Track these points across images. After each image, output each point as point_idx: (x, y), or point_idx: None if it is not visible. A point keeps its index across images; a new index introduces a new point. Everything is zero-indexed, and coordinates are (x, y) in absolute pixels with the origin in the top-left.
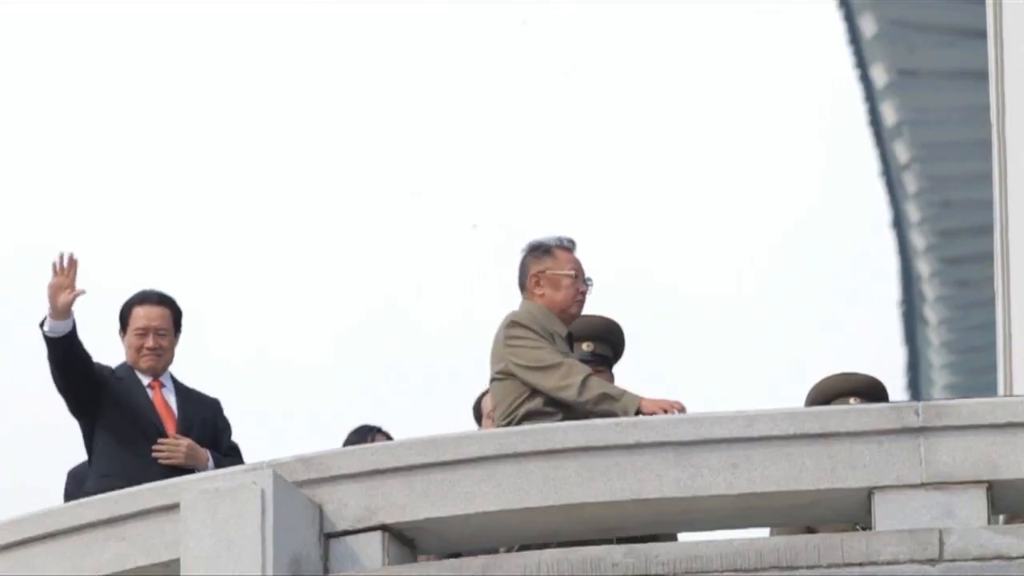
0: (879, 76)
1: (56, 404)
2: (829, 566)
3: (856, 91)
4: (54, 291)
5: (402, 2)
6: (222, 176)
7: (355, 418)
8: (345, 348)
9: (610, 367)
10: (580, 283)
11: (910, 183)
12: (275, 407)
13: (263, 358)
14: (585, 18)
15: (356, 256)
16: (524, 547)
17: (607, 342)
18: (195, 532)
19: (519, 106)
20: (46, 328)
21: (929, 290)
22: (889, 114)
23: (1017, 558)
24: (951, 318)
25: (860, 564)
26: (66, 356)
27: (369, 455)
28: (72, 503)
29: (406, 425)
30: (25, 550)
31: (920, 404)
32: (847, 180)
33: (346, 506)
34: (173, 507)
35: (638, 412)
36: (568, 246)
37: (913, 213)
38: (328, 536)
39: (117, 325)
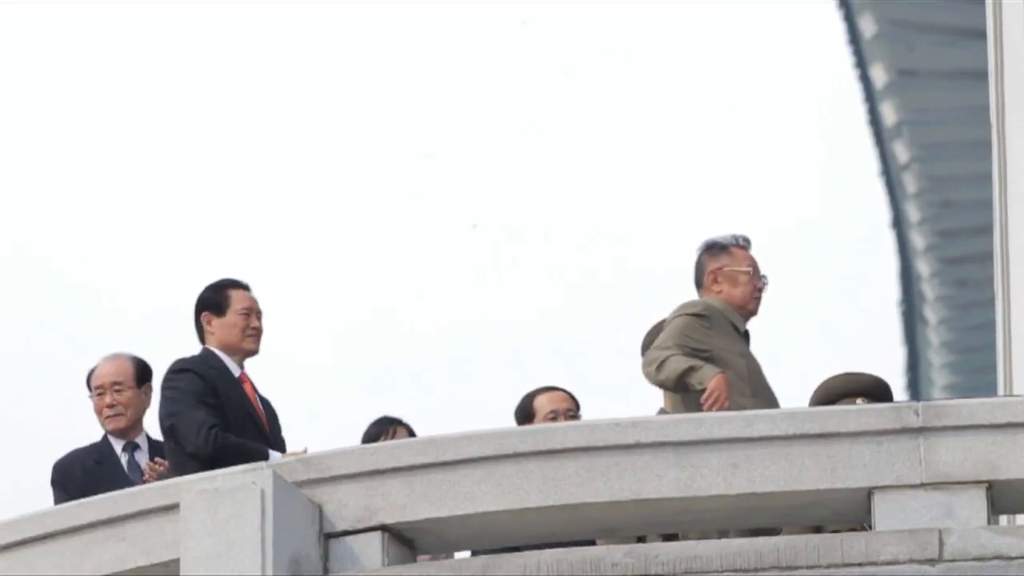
0: (879, 76)
1: (57, 404)
2: (829, 566)
3: (856, 91)
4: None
5: (402, 2)
6: (222, 177)
7: (355, 418)
8: (345, 348)
9: None
10: (757, 279)
11: (910, 183)
12: (275, 407)
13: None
14: (585, 18)
15: (356, 256)
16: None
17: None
18: (195, 532)
19: (519, 106)
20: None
21: (929, 290)
22: (889, 114)
23: (1017, 558)
24: (951, 318)
25: (860, 564)
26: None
27: (369, 455)
28: (72, 503)
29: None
30: (25, 550)
31: (920, 404)
32: (847, 180)
33: (346, 506)
34: (173, 507)
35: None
36: (744, 244)
37: (913, 213)
38: (328, 536)
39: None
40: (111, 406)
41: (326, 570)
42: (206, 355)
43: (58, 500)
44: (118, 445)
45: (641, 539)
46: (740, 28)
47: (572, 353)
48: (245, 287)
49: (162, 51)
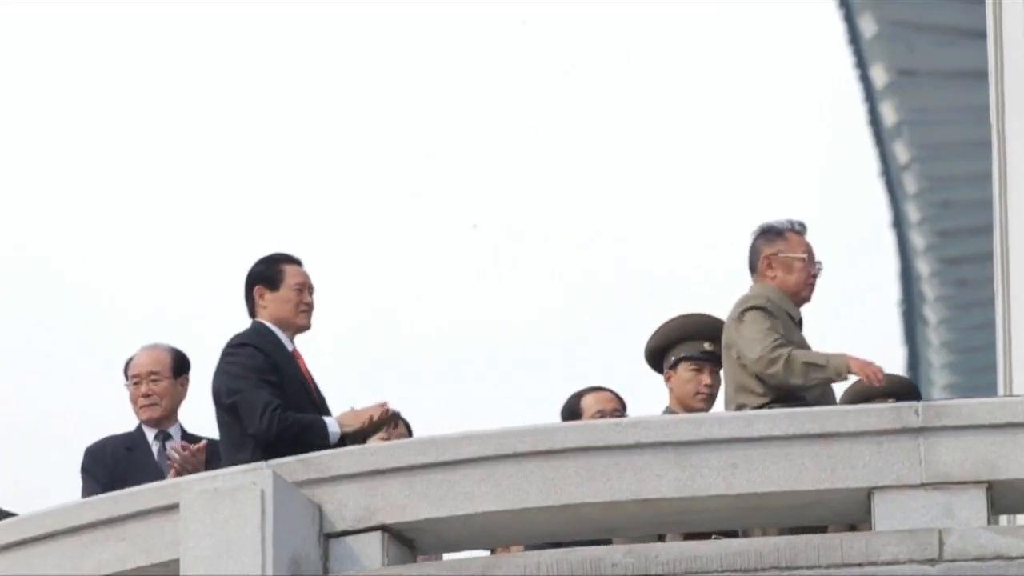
0: (879, 76)
1: (56, 405)
2: (829, 566)
3: (856, 91)
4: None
5: (402, 2)
6: (222, 177)
7: None
8: (345, 348)
9: None
10: (811, 266)
11: (910, 183)
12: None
13: None
14: (585, 18)
15: (356, 256)
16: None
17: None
18: (195, 532)
19: (519, 106)
20: (332, 430)
21: (929, 290)
22: (889, 114)
23: (1017, 558)
24: (951, 318)
25: (860, 564)
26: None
27: (368, 455)
28: (72, 503)
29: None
30: (25, 550)
31: (920, 404)
32: (847, 180)
33: (346, 506)
34: (173, 507)
35: (848, 372)
36: (799, 229)
37: (913, 213)
38: (328, 536)
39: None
40: (146, 395)
41: (326, 570)
42: (261, 329)
43: (86, 486)
44: (151, 434)
45: (661, 537)
46: (740, 28)
47: (572, 353)
48: (298, 262)
49: (162, 51)
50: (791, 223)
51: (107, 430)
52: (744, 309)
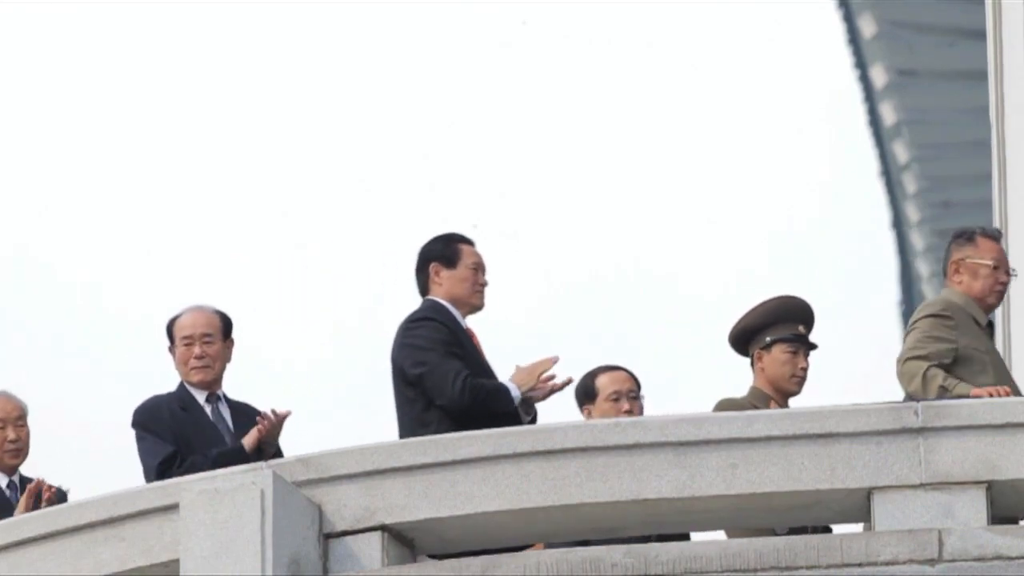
0: (879, 76)
1: (56, 405)
2: (828, 566)
3: (856, 91)
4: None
5: (402, 3)
6: (222, 178)
7: (355, 418)
8: (345, 348)
9: None
10: (1001, 273)
11: (910, 183)
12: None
13: (262, 358)
14: (585, 19)
15: (356, 256)
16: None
17: None
18: (194, 532)
19: (519, 106)
20: (515, 394)
21: (929, 290)
22: (889, 114)
23: (1017, 558)
24: None
25: (859, 564)
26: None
27: (368, 455)
28: (72, 503)
29: None
30: (25, 550)
31: (919, 404)
32: (847, 180)
33: (345, 506)
34: (172, 507)
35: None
36: (993, 235)
37: (913, 213)
38: (327, 536)
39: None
40: (199, 357)
41: (326, 570)
42: (437, 305)
43: (143, 443)
44: (200, 396)
45: (662, 537)
46: (740, 29)
47: (571, 353)
48: (472, 243)
49: (162, 54)
50: (984, 229)
51: (104, 429)
52: (920, 316)
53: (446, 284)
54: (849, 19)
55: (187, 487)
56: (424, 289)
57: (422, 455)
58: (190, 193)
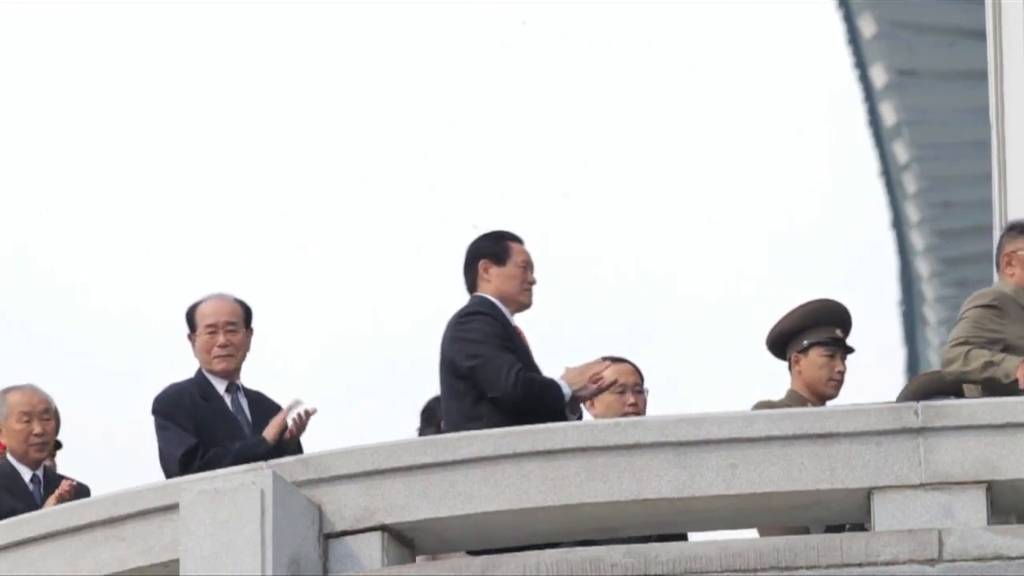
0: (879, 76)
1: (58, 405)
2: (828, 566)
3: (856, 91)
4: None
5: (402, 3)
6: (222, 179)
7: (354, 418)
8: (345, 348)
9: None
10: None
11: (910, 183)
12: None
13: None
14: (585, 20)
15: (356, 256)
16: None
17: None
18: (194, 532)
19: (519, 106)
20: (565, 391)
21: (929, 290)
22: (889, 114)
23: (1017, 558)
24: (951, 318)
25: (859, 564)
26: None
27: (368, 455)
28: (72, 503)
29: (406, 425)
30: (25, 550)
31: (919, 404)
32: (847, 180)
33: (345, 506)
34: (172, 507)
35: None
36: None
37: (913, 213)
38: (327, 536)
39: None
40: (223, 346)
41: (326, 570)
42: (486, 302)
43: (165, 432)
44: (220, 385)
45: (661, 537)
46: (740, 29)
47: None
48: (521, 241)
49: (162, 54)
50: None
51: (105, 429)
52: (971, 307)
53: (495, 281)
54: (849, 19)
55: (187, 487)
56: (472, 286)
57: (422, 455)
58: (190, 193)
